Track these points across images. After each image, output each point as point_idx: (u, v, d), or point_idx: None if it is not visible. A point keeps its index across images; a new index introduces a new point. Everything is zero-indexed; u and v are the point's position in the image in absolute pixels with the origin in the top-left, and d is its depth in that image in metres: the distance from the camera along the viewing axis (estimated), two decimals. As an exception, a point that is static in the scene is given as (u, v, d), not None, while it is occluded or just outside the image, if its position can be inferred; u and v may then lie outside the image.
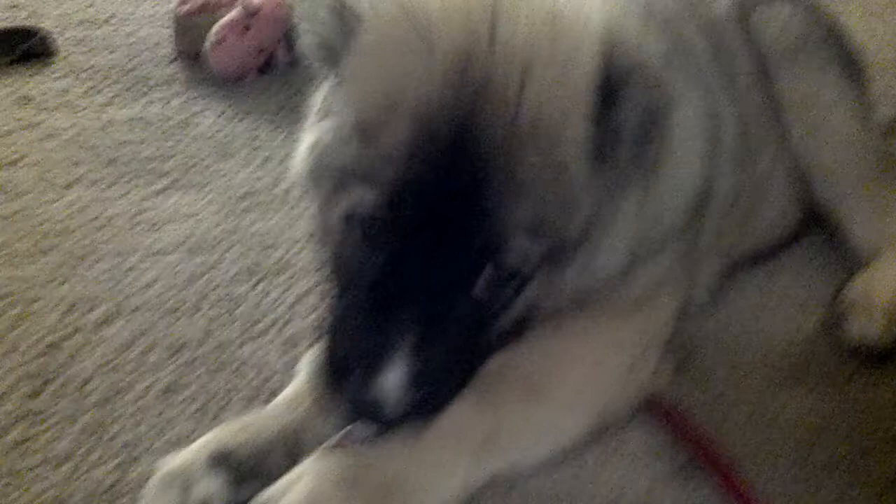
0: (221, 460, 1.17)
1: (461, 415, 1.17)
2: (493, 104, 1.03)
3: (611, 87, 1.06)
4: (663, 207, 1.30)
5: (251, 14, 2.78)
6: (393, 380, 1.04)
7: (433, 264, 1.06)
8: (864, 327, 1.52)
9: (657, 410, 1.35)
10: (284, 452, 1.22)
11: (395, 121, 1.04)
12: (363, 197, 1.09)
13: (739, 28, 1.72)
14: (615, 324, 1.32)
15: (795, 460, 1.31)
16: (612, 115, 1.07)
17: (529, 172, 1.04)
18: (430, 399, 1.09)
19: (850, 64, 1.80)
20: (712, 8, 1.68)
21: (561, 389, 1.26)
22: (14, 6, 3.57)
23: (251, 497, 1.12)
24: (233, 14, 2.80)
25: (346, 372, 1.08)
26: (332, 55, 1.15)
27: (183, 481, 1.15)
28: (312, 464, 1.13)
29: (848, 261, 1.75)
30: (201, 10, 2.91)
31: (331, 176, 1.15)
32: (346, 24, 1.12)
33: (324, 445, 1.16)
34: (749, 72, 1.69)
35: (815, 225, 1.84)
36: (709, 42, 1.56)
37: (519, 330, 1.21)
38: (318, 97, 1.26)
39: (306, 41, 1.20)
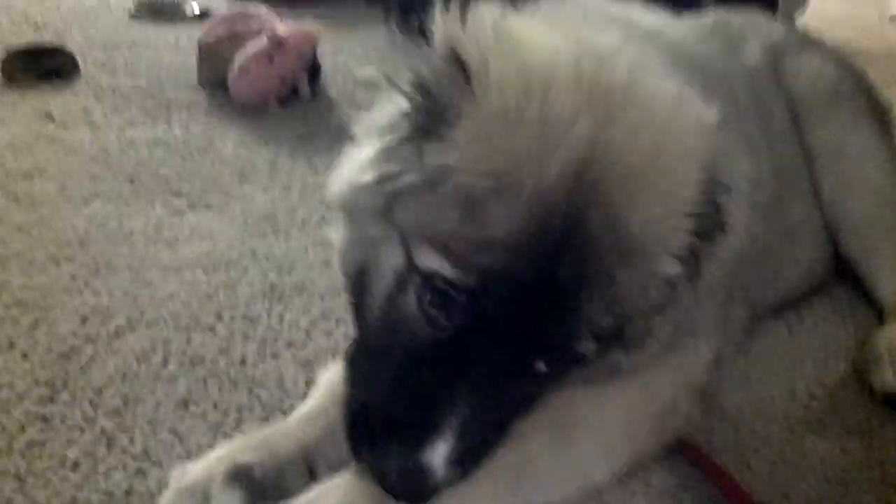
0: (239, 477, 1.14)
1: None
2: (605, 215, 0.97)
3: (703, 225, 1.06)
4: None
5: (276, 45, 2.80)
6: (438, 457, 1.00)
7: (503, 353, 1.02)
8: (891, 378, 1.49)
9: (683, 449, 1.32)
10: (302, 470, 1.19)
11: (510, 207, 0.96)
12: (447, 271, 1.00)
13: (772, 78, 1.73)
14: (651, 370, 1.29)
15: (819, 511, 1.28)
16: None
17: (622, 290, 1.00)
18: (467, 467, 1.06)
19: (880, 116, 1.80)
20: (747, 58, 1.69)
21: (592, 434, 1.23)
22: (39, 27, 3.62)
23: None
24: (258, 44, 2.83)
25: (384, 440, 1.04)
26: (433, 104, 1.02)
27: (201, 496, 1.12)
28: (340, 483, 1.11)
29: (873, 312, 1.74)
30: (228, 40, 2.93)
31: (399, 224, 1.05)
32: (457, 72, 1.00)
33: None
34: (782, 128, 1.69)
35: (839, 277, 1.83)
36: (749, 95, 1.56)
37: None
38: (376, 116, 1.14)
39: (400, 79, 1.08)
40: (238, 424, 1.37)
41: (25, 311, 1.63)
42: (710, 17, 1.82)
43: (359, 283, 1.16)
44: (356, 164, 1.14)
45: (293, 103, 2.89)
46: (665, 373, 1.31)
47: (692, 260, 1.08)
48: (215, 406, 1.41)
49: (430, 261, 1.00)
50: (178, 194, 2.18)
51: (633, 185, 0.99)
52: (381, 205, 1.07)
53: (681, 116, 1.06)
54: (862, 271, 1.75)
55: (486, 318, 1.00)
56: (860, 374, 1.56)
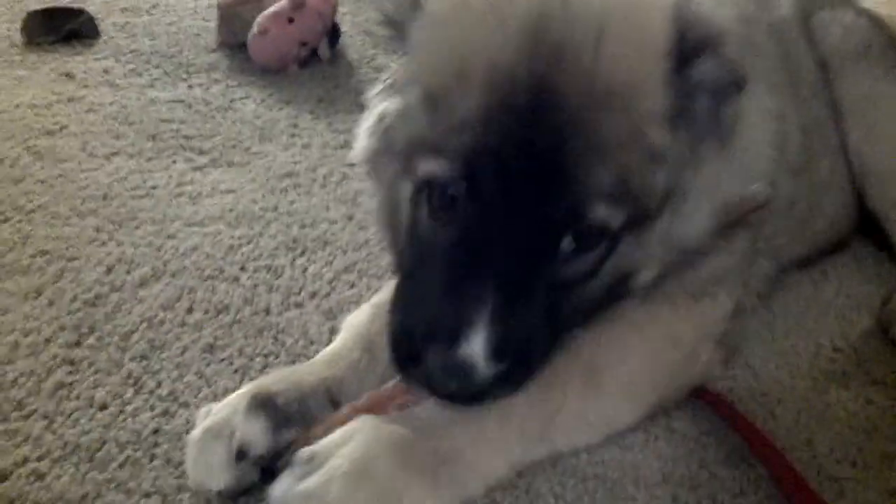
0: (262, 404, 1.15)
1: (521, 398, 1.15)
2: (569, 67, 1.01)
3: (684, 50, 1.06)
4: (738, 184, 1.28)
5: (296, 7, 2.79)
6: (475, 349, 1.02)
7: (512, 233, 1.04)
8: (914, 331, 1.49)
9: (706, 398, 1.32)
10: (324, 402, 1.20)
11: (468, 88, 1.03)
12: (435, 169, 1.07)
13: (802, 31, 1.71)
14: (673, 317, 1.30)
15: (843, 459, 1.28)
16: (686, 78, 1.07)
17: (608, 137, 1.02)
18: (514, 373, 1.08)
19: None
20: (778, 9, 1.67)
21: (617, 379, 1.24)
22: (58, -9, 3.60)
23: (290, 443, 1.12)
24: (278, 6, 2.82)
25: (423, 345, 1.06)
26: (400, 28, 1.16)
27: (228, 431, 1.12)
28: (363, 425, 1.11)
29: (897, 267, 1.74)
30: (247, 1, 2.92)
31: (399, 151, 1.14)
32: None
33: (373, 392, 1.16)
34: (812, 81, 1.68)
35: (864, 234, 1.82)
36: (777, 46, 1.54)
37: (610, 300, 1.20)
38: (385, 75, 1.25)
39: (374, 17, 1.21)
40: (264, 369, 1.38)
41: (51, 261, 1.64)
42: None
43: (390, 225, 1.22)
44: (367, 121, 1.24)
45: (313, 65, 2.87)
46: (686, 321, 1.31)
47: (690, 102, 1.09)
48: (241, 352, 1.42)
49: (425, 166, 1.08)
50: (200, 152, 2.18)
51: (593, 32, 1.02)
52: (385, 143, 1.18)
53: None
54: (887, 224, 1.73)
55: (487, 203, 1.04)
56: (884, 327, 1.55)
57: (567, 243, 1.07)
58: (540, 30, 1.02)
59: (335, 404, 1.19)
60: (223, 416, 1.15)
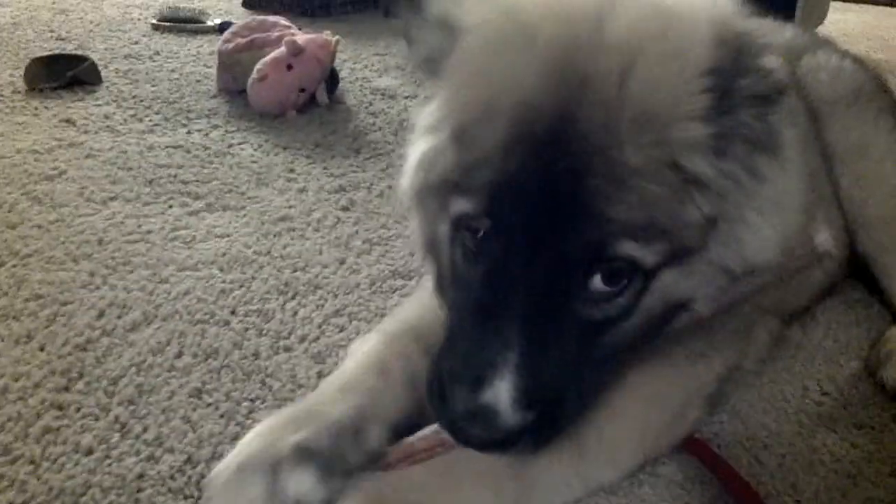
0: (306, 454, 1.09)
1: (499, 460, 1.13)
2: (594, 97, 0.99)
3: (726, 81, 1.02)
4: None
5: (295, 53, 2.83)
6: (500, 396, 1.00)
7: (535, 271, 1.02)
8: (902, 375, 1.49)
9: (688, 443, 1.32)
10: (352, 433, 1.15)
11: (492, 123, 1.01)
12: (464, 207, 1.07)
13: (791, 79, 1.73)
14: (663, 379, 1.29)
15: (828, 503, 1.27)
16: (728, 108, 1.03)
17: (633, 169, 0.99)
18: (545, 422, 1.05)
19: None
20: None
21: (600, 443, 1.22)
22: (62, 38, 3.68)
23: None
24: (277, 52, 2.86)
25: (449, 387, 1.05)
26: (436, 67, 1.14)
27: (269, 470, 1.07)
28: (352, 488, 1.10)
29: (887, 312, 1.75)
30: (246, 47, 2.97)
31: (435, 190, 1.14)
32: (449, 34, 1.11)
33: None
34: (806, 128, 1.68)
35: (854, 277, 1.83)
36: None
37: (661, 331, 1.18)
38: (424, 114, 1.22)
39: (413, 58, 1.20)
40: (250, 414, 1.39)
41: (44, 306, 1.66)
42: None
43: (433, 262, 1.23)
44: (409, 159, 1.22)
45: (311, 111, 2.92)
46: (676, 383, 1.30)
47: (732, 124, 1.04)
48: (228, 396, 1.43)
49: (455, 205, 1.07)
50: (196, 196, 2.21)
51: (622, 61, 1.00)
52: (424, 182, 1.17)
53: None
54: (877, 269, 1.74)
55: (510, 240, 1.02)
56: (872, 371, 1.55)
57: (597, 282, 1.05)
58: (567, 60, 1.01)
59: (363, 439, 1.16)
60: (261, 453, 1.09)
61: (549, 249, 1.01)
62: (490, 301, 1.04)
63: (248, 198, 2.22)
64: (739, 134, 1.05)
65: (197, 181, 2.30)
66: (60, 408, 1.38)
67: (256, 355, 1.54)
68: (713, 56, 1.01)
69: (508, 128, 1.00)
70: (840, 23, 4.96)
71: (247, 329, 1.62)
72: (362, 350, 1.31)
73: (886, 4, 6.45)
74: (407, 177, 1.23)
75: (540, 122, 0.99)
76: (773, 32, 1.82)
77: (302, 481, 1.07)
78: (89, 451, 1.28)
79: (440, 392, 1.07)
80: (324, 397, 1.22)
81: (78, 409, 1.37)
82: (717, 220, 1.07)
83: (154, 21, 4.03)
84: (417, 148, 1.20)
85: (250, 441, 1.13)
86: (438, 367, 1.10)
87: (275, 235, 2.01)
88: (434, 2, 1.14)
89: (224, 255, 1.90)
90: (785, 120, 1.16)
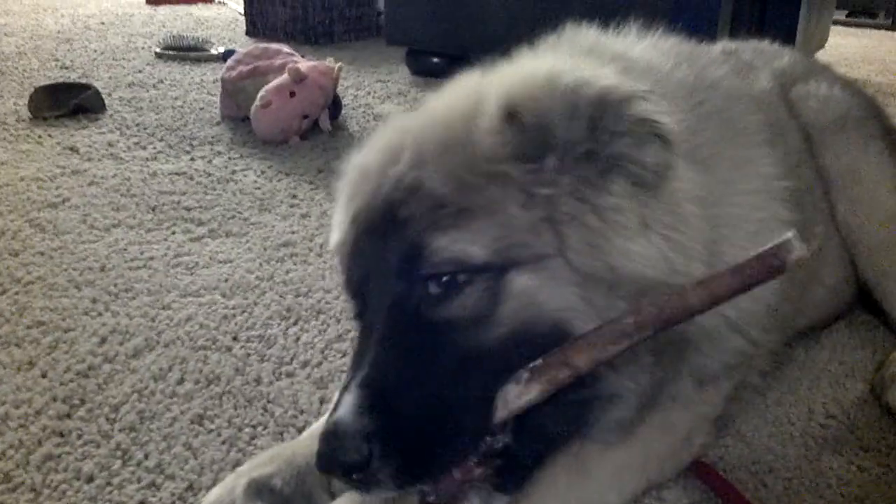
0: (259, 490, 1.13)
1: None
2: (402, 160, 1.10)
3: (531, 108, 1.08)
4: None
5: (298, 81, 2.85)
6: (344, 409, 1.00)
7: (380, 306, 1.07)
8: (907, 398, 1.48)
9: (697, 469, 1.31)
10: (322, 480, 1.18)
11: (342, 225, 1.18)
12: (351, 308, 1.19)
13: (782, 103, 1.73)
14: (672, 404, 1.27)
15: (836, 528, 1.26)
16: (535, 122, 1.08)
17: (432, 183, 1.06)
18: (396, 427, 1.01)
19: (892, 140, 1.80)
20: (758, 82, 1.69)
21: (603, 468, 1.21)
22: (66, 67, 3.70)
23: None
24: (280, 80, 2.88)
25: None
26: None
27: None
28: None
29: (891, 336, 1.74)
30: (250, 74, 2.99)
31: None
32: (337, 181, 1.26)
33: None
34: (798, 148, 1.68)
35: (860, 302, 1.83)
36: (762, 114, 1.55)
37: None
38: None
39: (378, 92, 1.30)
40: (252, 440, 1.38)
41: (46, 332, 1.66)
42: (717, 46, 1.83)
43: None
44: None
45: (314, 137, 2.93)
46: (684, 406, 1.29)
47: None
48: (230, 423, 1.42)
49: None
50: (199, 223, 2.21)
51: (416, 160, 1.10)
52: None
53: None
54: (878, 293, 1.73)
55: (361, 298, 1.12)
56: (878, 394, 1.54)
57: (434, 287, 1.05)
58: (395, 149, 1.13)
59: (332, 483, 1.18)
60: (218, 498, 1.13)
61: (384, 278, 1.07)
62: (359, 347, 1.09)
63: (251, 224, 2.23)
64: (599, 160, 1.08)
65: (200, 207, 2.30)
66: (62, 435, 1.37)
67: (258, 381, 1.54)
68: (509, 97, 1.10)
69: (349, 222, 1.15)
70: (841, 47, 4.98)
71: (249, 355, 1.62)
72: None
73: (887, 29, 6.49)
74: None
75: (367, 199, 1.12)
76: (773, 56, 1.84)
77: None
78: (90, 479, 1.28)
79: None
80: (298, 442, 1.25)
81: (79, 436, 1.37)
82: (559, 227, 1.06)
83: (158, 49, 4.06)
84: None
85: (219, 485, 1.17)
86: None
87: (277, 261, 2.01)
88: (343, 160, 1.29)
89: (226, 280, 1.90)
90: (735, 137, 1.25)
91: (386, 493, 1.03)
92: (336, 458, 0.99)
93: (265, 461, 1.20)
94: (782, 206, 1.29)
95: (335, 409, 1.02)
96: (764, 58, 1.84)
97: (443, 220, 1.04)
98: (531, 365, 1.04)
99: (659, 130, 1.08)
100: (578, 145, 1.07)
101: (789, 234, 1.00)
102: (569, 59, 1.22)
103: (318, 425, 1.30)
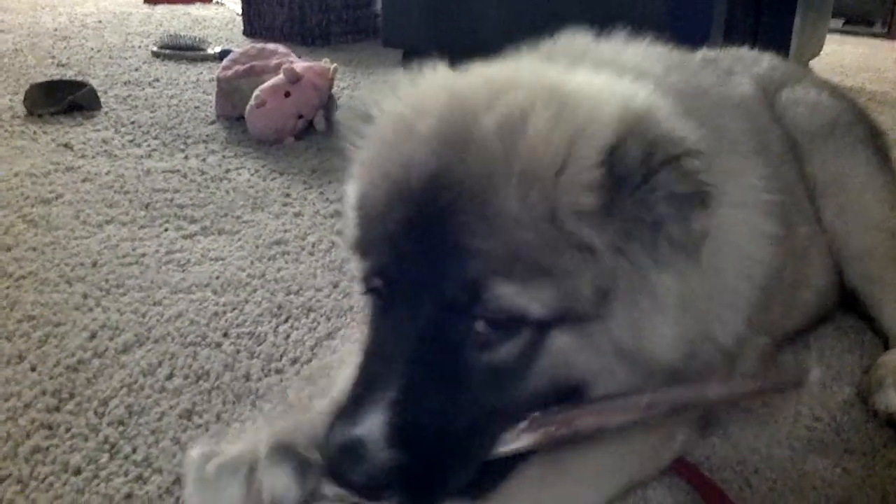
0: (286, 452, 1.11)
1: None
2: (477, 155, 1.03)
3: (627, 164, 1.02)
4: (726, 300, 1.22)
5: (293, 81, 2.85)
6: (371, 430, 0.99)
7: (417, 315, 1.03)
8: (895, 400, 1.48)
9: (681, 468, 1.31)
10: None
11: (380, 187, 1.09)
12: (363, 269, 1.12)
13: (767, 109, 1.74)
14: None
15: (820, 529, 1.27)
16: (637, 194, 1.03)
17: (505, 213, 1.01)
18: (421, 467, 1.02)
19: (879, 146, 1.81)
20: (740, 87, 1.70)
21: (582, 466, 1.21)
22: (62, 65, 3.71)
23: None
24: (275, 79, 2.89)
25: (329, 430, 1.04)
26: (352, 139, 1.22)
27: (246, 470, 1.09)
28: None
29: (879, 341, 1.75)
30: (245, 74, 2.99)
31: (352, 256, 1.20)
32: (365, 123, 1.19)
33: None
34: (780, 151, 1.69)
35: (846, 307, 1.84)
36: (744, 121, 1.55)
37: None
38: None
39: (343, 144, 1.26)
40: (240, 435, 1.38)
41: (36, 327, 1.66)
42: (697, 55, 1.84)
43: None
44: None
45: (309, 137, 2.93)
46: None
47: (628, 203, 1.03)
48: (218, 417, 1.42)
49: (358, 267, 1.15)
50: (192, 220, 2.21)
51: (513, 122, 1.04)
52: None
53: (587, 84, 1.13)
54: (865, 300, 1.74)
55: (394, 289, 1.07)
56: (864, 397, 1.55)
57: (482, 327, 1.04)
58: (453, 125, 1.06)
59: None
60: (241, 454, 1.12)
61: (428, 292, 1.03)
62: (380, 346, 1.07)
63: (244, 222, 2.23)
64: (648, 222, 1.04)
65: (193, 205, 2.31)
66: (50, 428, 1.37)
67: (248, 377, 1.54)
68: (613, 135, 1.02)
69: (390, 190, 1.07)
70: (836, 55, 5.00)
71: (239, 351, 1.62)
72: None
73: (883, 37, 6.51)
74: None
75: (419, 180, 1.04)
76: (753, 63, 1.85)
77: (278, 479, 1.09)
78: (78, 471, 1.28)
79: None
80: (317, 415, 1.21)
81: (67, 430, 1.37)
82: (611, 295, 1.06)
83: (154, 48, 4.06)
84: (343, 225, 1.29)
85: (237, 444, 1.15)
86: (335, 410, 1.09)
87: (269, 259, 2.02)
88: (364, 98, 1.23)
89: (218, 278, 1.90)
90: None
91: None
92: (350, 477, 1.00)
93: (289, 429, 1.18)
94: (767, 220, 1.28)
95: (352, 415, 1.01)
96: (743, 64, 1.85)
97: (514, 271, 1.01)
98: (534, 414, 1.07)
99: (705, 191, 1.05)
100: (637, 202, 1.04)
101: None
102: (608, 77, 1.19)
103: (335, 398, 1.23)
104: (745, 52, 1.97)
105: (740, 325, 1.25)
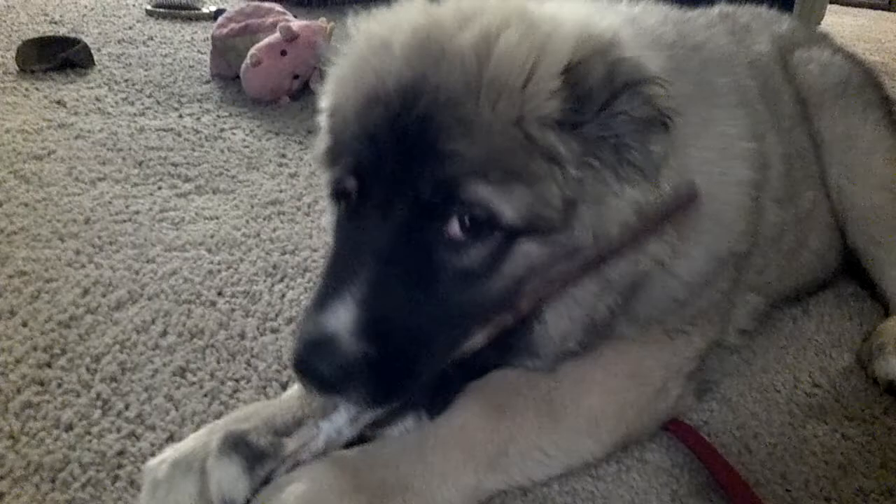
0: (236, 443, 1.10)
1: (470, 424, 1.15)
2: (452, 63, 1.07)
3: (585, 81, 1.07)
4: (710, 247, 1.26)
5: (289, 39, 2.81)
6: (340, 320, 1.00)
7: (392, 213, 1.06)
8: (895, 367, 1.47)
9: (678, 430, 1.30)
10: (298, 446, 1.15)
11: (355, 96, 1.12)
12: (335, 174, 1.14)
13: (781, 69, 1.72)
14: (641, 354, 1.29)
15: (817, 494, 1.26)
16: (599, 116, 1.08)
17: (480, 119, 1.04)
18: (387, 363, 1.03)
19: (889, 109, 1.79)
20: (756, 45, 1.68)
21: (578, 414, 1.22)
22: (55, 22, 3.65)
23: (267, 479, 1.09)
24: (271, 38, 2.84)
25: (298, 327, 1.06)
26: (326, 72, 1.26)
27: (198, 466, 1.08)
28: (309, 466, 1.09)
29: (879, 308, 1.74)
30: (240, 32, 2.95)
31: (322, 167, 1.22)
32: (344, 41, 1.23)
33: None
34: (791, 113, 1.68)
35: (847, 273, 1.83)
36: (756, 80, 1.54)
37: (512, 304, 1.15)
38: None
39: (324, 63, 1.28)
40: (234, 393, 1.37)
41: (28, 282, 1.64)
42: (714, 9, 1.82)
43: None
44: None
45: (305, 97, 2.90)
46: (655, 357, 1.30)
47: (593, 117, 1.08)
48: (212, 375, 1.41)
49: (329, 174, 1.18)
50: (186, 179, 2.18)
51: (485, 37, 1.09)
52: (315, 164, 1.29)
53: (558, 11, 1.19)
54: (867, 262, 1.73)
55: (369, 188, 1.09)
56: (864, 364, 1.54)
57: (454, 227, 1.06)
58: (429, 39, 1.11)
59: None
60: (193, 449, 1.10)
61: (404, 192, 1.06)
62: (349, 245, 1.09)
63: (239, 181, 2.20)
64: (610, 142, 1.09)
65: (187, 164, 2.28)
66: (41, 383, 1.35)
67: (242, 336, 1.52)
68: (572, 52, 1.08)
69: (366, 95, 1.10)
70: (837, 26, 4.96)
71: (233, 310, 1.60)
72: None
73: (883, 9, 6.46)
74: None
75: (395, 86, 1.08)
76: (772, 21, 1.82)
77: (226, 471, 1.07)
78: (69, 427, 1.26)
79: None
80: (278, 402, 1.22)
81: (59, 385, 1.35)
82: (577, 205, 1.09)
83: (149, 7, 4.01)
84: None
85: (192, 438, 1.14)
86: (302, 314, 1.11)
87: (264, 219, 1.99)
88: (349, 21, 1.27)
89: (212, 236, 1.88)
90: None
91: (348, 408, 1.10)
92: (319, 370, 1.01)
93: (243, 417, 1.17)
94: (742, 166, 1.30)
95: (321, 310, 1.02)
96: (762, 21, 1.83)
97: (489, 173, 1.04)
98: None
99: (666, 119, 1.10)
100: (601, 122, 1.09)
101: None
102: (581, 6, 1.25)
103: (298, 388, 1.26)
104: (765, 11, 1.95)
105: (703, 263, 1.27)
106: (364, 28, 1.21)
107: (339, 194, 1.14)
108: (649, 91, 1.08)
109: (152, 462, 1.11)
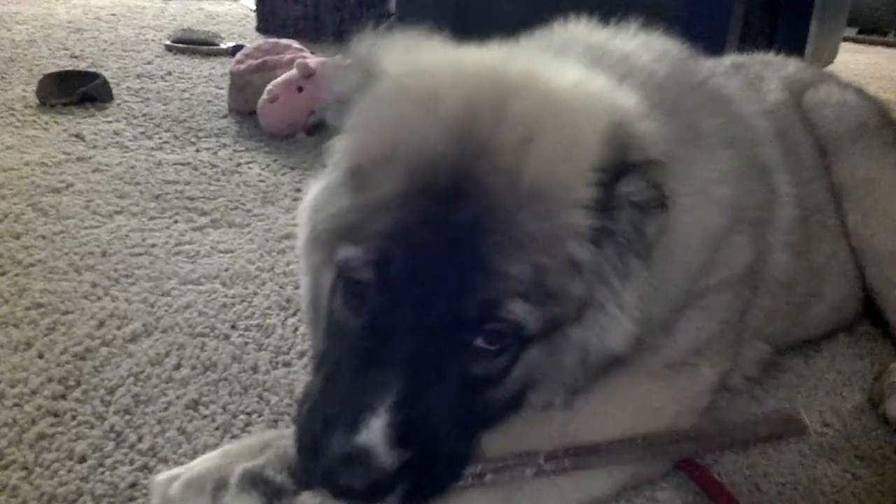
0: (254, 480, 1.10)
1: (488, 460, 1.14)
2: (495, 164, 1.01)
3: (610, 181, 1.05)
4: (669, 285, 1.23)
5: (306, 76, 2.85)
6: (375, 435, 0.97)
7: (424, 322, 1.01)
8: (906, 408, 1.47)
9: (689, 469, 1.30)
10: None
11: (392, 169, 1.02)
12: (351, 254, 1.05)
13: (797, 114, 1.73)
14: (652, 388, 1.29)
15: (829, 535, 1.26)
16: (609, 207, 1.06)
17: (528, 236, 1.00)
18: (420, 467, 1.01)
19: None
20: (770, 94, 1.70)
21: (596, 455, 1.21)
22: (76, 56, 3.71)
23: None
24: (288, 74, 2.88)
25: (324, 435, 1.01)
26: (345, 106, 1.14)
27: (211, 488, 1.09)
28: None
29: (891, 348, 1.75)
30: (258, 68, 2.99)
31: (323, 239, 1.13)
32: (364, 76, 1.13)
33: None
34: (812, 165, 1.68)
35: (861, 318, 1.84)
36: (771, 123, 1.55)
37: (519, 403, 1.16)
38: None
39: (329, 99, 1.18)
40: (246, 427, 1.38)
41: (45, 314, 1.66)
42: (726, 60, 1.85)
43: (313, 317, 1.21)
44: (306, 199, 1.24)
45: (321, 133, 2.91)
46: (666, 392, 1.30)
47: (614, 219, 1.07)
48: (224, 409, 1.42)
49: (342, 251, 1.05)
50: (202, 213, 2.21)
51: (521, 134, 1.02)
52: (313, 228, 1.16)
53: (579, 93, 1.11)
54: (882, 303, 1.73)
55: (398, 288, 1.02)
56: (875, 403, 1.54)
57: (481, 341, 1.04)
58: (469, 125, 1.03)
59: None
60: (207, 472, 1.11)
61: (441, 303, 1.01)
62: (373, 350, 1.03)
63: (254, 215, 2.23)
64: (615, 233, 1.08)
65: (203, 198, 2.30)
66: (56, 415, 1.37)
67: (255, 369, 1.53)
68: (602, 154, 1.04)
69: (408, 176, 1.01)
70: (851, 64, 4.97)
71: (246, 343, 1.62)
72: None
73: (897, 47, 6.48)
74: (301, 221, 1.23)
75: (441, 175, 1.00)
76: (780, 67, 1.84)
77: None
78: (83, 459, 1.27)
79: (313, 445, 1.03)
80: (286, 432, 1.20)
81: (73, 417, 1.37)
82: (587, 308, 1.09)
83: (168, 42, 4.07)
84: (314, 187, 1.21)
85: (204, 460, 1.14)
86: (310, 420, 1.06)
87: (278, 252, 2.01)
88: (359, 41, 1.19)
89: (227, 270, 1.90)
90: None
91: None
92: (357, 486, 0.98)
93: (256, 450, 1.17)
94: (717, 212, 1.28)
95: (351, 426, 0.98)
96: (772, 69, 1.84)
97: (531, 293, 1.02)
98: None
99: (665, 200, 1.08)
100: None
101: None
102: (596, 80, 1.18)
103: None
104: (771, 58, 1.97)
105: (672, 301, 1.26)
106: (394, 75, 1.12)
107: (348, 280, 1.08)
108: (652, 175, 1.07)
109: (161, 477, 1.12)
